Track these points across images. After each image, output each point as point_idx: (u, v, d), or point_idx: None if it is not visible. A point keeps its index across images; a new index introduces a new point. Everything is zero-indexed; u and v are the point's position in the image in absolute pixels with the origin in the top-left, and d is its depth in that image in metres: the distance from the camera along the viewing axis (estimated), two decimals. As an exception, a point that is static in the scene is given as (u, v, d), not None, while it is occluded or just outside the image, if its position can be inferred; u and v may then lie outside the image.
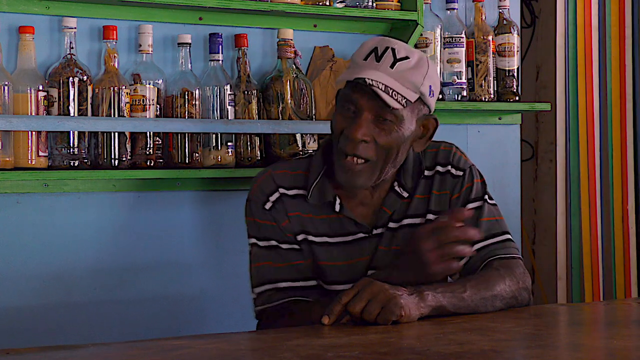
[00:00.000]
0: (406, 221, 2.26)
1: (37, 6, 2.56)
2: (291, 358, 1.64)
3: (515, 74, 3.14)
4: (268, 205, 2.25)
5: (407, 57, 2.15)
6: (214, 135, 2.70)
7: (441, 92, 3.02)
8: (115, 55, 2.59)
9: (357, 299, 1.93)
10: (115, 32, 2.60)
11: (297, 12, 2.79)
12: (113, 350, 1.81)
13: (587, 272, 3.88)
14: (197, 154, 2.67)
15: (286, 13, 2.79)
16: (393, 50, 2.14)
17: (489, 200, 2.29)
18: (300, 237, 2.25)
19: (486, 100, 3.09)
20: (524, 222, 3.79)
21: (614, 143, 3.91)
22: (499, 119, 3.24)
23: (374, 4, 2.91)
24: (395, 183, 2.26)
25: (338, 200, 2.24)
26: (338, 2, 2.87)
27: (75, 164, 2.52)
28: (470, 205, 2.26)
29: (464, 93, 3.06)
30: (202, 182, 2.76)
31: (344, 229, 2.25)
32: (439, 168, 2.29)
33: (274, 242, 2.24)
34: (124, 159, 2.58)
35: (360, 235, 2.26)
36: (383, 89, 2.10)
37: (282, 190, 2.26)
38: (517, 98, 3.15)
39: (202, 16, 2.76)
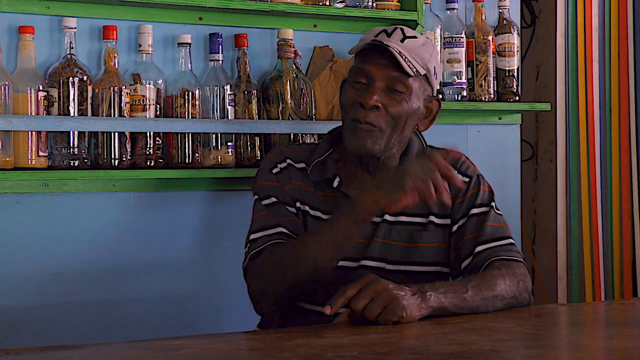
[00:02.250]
0: (404, 218, 2.29)
1: (37, 6, 2.56)
2: (291, 358, 1.64)
3: (515, 74, 3.14)
4: (275, 170, 2.34)
5: (415, 37, 2.25)
6: (214, 135, 2.70)
7: (441, 92, 3.02)
8: (115, 55, 2.59)
9: (361, 295, 1.94)
10: (115, 32, 2.60)
11: (297, 12, 2.79)
12: (113, 350, 1.81)
13: (587, 272, 3.88)
14: (197, 154, 2.67)
15: (286, 13, 2.79)
16: (402, 29, 2.25)
17: (495, 210, 2.31)
18: (298, 205, 2.31)
19: (486, 100, 3.09)
20: (524, 222, 3.79)
21: (614, 143, 3.91)
22: (499, 119, 3.24)
23: (374, 4, 2.91)
24: None
25: (338, 179, 2.29)
26: (338, 2, 2.87)
27: (75, 164, 2.52)
28: (476, 210, 2.28)
29: (464, 93, 3.06)
30: (202, 182, 2.76)
31: (337, 207, 2.28)
32: None
33: (274, 199, 2.30)
34: (124, 159, 2.58)
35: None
36: (398, 52, 2.19)
37: (289, 161, 2.34)
38: (517, 98, 3.15)
39: (202, 16, 2.76)
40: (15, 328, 2.56)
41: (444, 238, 2.29)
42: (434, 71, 2.27)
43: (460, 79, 3.04)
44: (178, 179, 2.69)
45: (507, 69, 3.13)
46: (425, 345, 1.74)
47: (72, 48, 2.55)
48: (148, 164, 2.61)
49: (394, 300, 1.93)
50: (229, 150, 2.71)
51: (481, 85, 3.08)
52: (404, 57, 2.20)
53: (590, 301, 3.83)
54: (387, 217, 2.28)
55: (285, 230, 2.26)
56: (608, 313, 2.28)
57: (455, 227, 2.28)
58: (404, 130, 2.25)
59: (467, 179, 2.31)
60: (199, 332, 2.65)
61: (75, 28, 2.55)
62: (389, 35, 2.24)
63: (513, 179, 3.29)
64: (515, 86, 3.14)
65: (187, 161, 2.66)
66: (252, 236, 2.29)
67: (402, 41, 2.22)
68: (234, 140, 2.73)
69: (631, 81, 3.93)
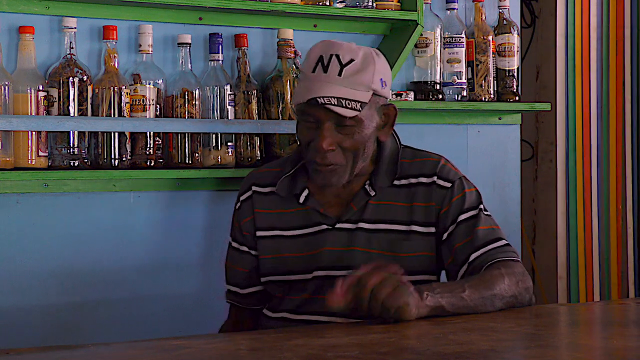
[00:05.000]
0: (382, 226, 2.26)
1: (37, 6, 2.56)
2: (291, 358, 1.64)
3: (515, 74, 3.14)
4: (237, 205, 2.40)
5: (352, 60, 2.18)
6: (214, 135, 2.70)
7: (441, 92, 3.02)
8: (115, 55, 2.59)
9: (374, 274, 1.92)
10: (115, 32, 2.60)
11: (297, 12, 2.79)
12: (113, 350, 1.81)
13: (581, 272, 3.89)
14: (197, 154, 2.67)
15: (286, 13, 2.79)
16: (337, 56, 2.18)
17: (484, 211, 2.27)
18: (263, 234, 2.33)
19: (486, 100, 3.09)
20: (524, 222, 3.79)
21: (612, 143, 3.91)
22: (499, 119, 3.24)
23: (374, 4, 2.91)
24: (367, 182, 2.28)
25: (305, 192, 2.29)
26: (338, 2, 2.87)
27: (75, 164, 2.52)
28: (464, 216, 2.24)
29: (464, 93, 3.06)
30: (202, 182, 2.76)
31: (309, 220, 2.29)
32: (422, 179, 2.27)
33: (235, 243, 2.41)
34: (124, 159, 2.58)
35: (324, 227, 2.27)
36: (336, 102, 2.15)
37: (254, 188, 2.37)
38: (517, 98, 3.15)
39: (202, 16, 2.76)
40: (15, 328, 2.56)
41: (430, 247, 2.25)
42: (382, 82, 2.21)
43: (460, 79, 3.04)
44: (178, 179, 2.70)
45: (507, 69, 3.13)
46: (425, 345, 1.74)
47: (72, 48, 2.55)
48: (148, 164, 2.61)
49: (402, 285, 1.92)
50: (229, 150, 2.71)
51: (481, 85, 3.08)
52: (344, 102, 2.15)
53: (585, 301, 3.84)
54: (362, 225, 2.25)
55: (233, 289, 2.43)
56: (607, 313, 2.28)
57: (445, 235, 2.25)
58: (364, 152, 2.23)
59: (449, 184, 2.27)
60: (198, 332, 2.65)
61: (75, 28, 2.56)
62: (325, 69, 2.16)
63: (513, 179, 3.29)
64: (515, 86, 3.14)
65: (187, 161, 2.66)
66: (226, 287, 2.47)
67: (340, 73, 2.15)
68: (234, 140, 2.73)
69: (629, 81, 3.93)
